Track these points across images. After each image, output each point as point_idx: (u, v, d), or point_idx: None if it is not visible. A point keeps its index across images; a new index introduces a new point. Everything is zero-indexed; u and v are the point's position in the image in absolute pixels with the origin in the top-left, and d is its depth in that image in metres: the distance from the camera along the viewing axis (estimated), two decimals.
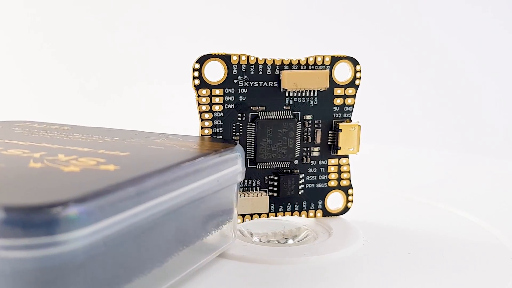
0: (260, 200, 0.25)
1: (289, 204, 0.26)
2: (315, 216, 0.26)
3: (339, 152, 0.26)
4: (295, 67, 0.25)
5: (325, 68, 0.25)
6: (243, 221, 0.25)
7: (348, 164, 0.26)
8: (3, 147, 0.20)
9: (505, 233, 0.26)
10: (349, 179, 0.27)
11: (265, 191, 0.25)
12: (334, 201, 0.27)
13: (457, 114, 0.61)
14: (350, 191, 0.27)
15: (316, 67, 0.25)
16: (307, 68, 0.25)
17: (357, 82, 0.26)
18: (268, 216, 0.26)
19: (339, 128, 0.26)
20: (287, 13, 0.63)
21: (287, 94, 0.25)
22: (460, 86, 0.61)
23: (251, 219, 0.25)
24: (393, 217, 0.29)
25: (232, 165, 0.22)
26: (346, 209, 0.27)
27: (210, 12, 0.61)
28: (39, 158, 0.18)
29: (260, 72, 0.25)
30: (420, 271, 0.22)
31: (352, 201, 0.27)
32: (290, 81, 0.25)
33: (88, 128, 0.25)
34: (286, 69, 0.25)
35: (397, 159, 0.43)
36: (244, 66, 0.24)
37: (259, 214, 0.26)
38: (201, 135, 0.24)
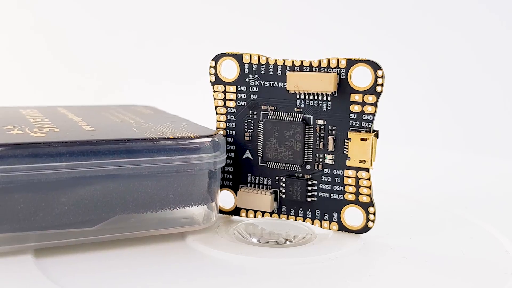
0: (261, 198, 0.25)
1: (300, 209, 0.25)
2: (329, 228, 0.25)
3: (349, 163, 0.24)
4: (307, 68, 0.24)
5: (339, 72, 0.23)
6: (254, 217, 0.26)
7: (369, 179, 0.24)
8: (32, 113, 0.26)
9: (505, 233, 0.26)
10: (370, 195, 0.24)
11: (275, 191, 0.25)
12: (353, 216, 0.24)
13: (458, 114, 0.61)
14: (371, 209, 0.24)
15: (330, 70, 0.24)
16: (319, 71, 0.24)
17: (378, 88, 0.23)
18: (279, 217, 0.25)
19: (349, 136, 0.23)
20: (309, 16, 0.62)
21: (298, 96, 0.24)
22: (462, 87, 0.60)
23: (263, 216, 0.26)
24: (392, 217, 0.28)
25: (196, 153, 0.23)
26: (366, 228, 0.24)
27: (232, 13, 0.62)
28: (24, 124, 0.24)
29: (271, 72, 0.25)
30: (418, 271, 0.22)
31: (373, 221, 0.24)
32: (292, 82, 0.24)
33: (162, 114, 0.29)
34: (297, 70, 0.24)
35: (396, 159, 0.41)
36: (255, 65, 0.25)
37: (271, 214, 0.26)
38: (216, 128, 0.26)
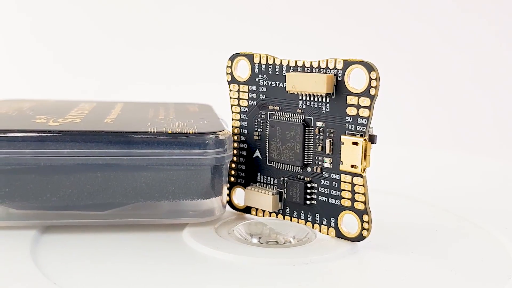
0: (264, 197, 0.25)
1: (302, 212, 0.24)
2: (327, 234, 0.24)
3: (341, 168, 0.23)
4: (308, 69, 0.23)
5: (337, 73, 0.22)
6: (263, 216, 0.26)
7: (363, 185, 0.23)
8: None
9: (504, 233, 0.26)
10: (364, 202, 0.23)
11: (280, 192, 0.25)
12: (349, 223, 0.23)
13: (454, 114, 0.62)
14: (365, 217, 0.23)
15: (328, 71, 0.23)
16: (318, 71, 0.23)
17: (372, 91, 0.22)
18: (283, 218, 0.25)
19: (341, 140, 0.22)
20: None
21: (300, 97, 0.24)
22: (458, 87, 0.61)
23: (270, 216, 0.25)
24: (391, 217, 0.28)
25: (195, 148, 0.24)
26: (361, 237, 0.23)
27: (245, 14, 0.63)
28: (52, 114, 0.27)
29: (277, 73, 0.24)
30: (418, 271, 0.22)
31: (368, 230, 0.23)
32: (290, 83, 0.24)
33: (203, 112, 0.30)
34: (299, 71, 0.24)
35: (394, 159, 0.41)
36: (264, 65, 0.25)
37: (276, 214, 0.25)
38: (232, 126, 0.26)
